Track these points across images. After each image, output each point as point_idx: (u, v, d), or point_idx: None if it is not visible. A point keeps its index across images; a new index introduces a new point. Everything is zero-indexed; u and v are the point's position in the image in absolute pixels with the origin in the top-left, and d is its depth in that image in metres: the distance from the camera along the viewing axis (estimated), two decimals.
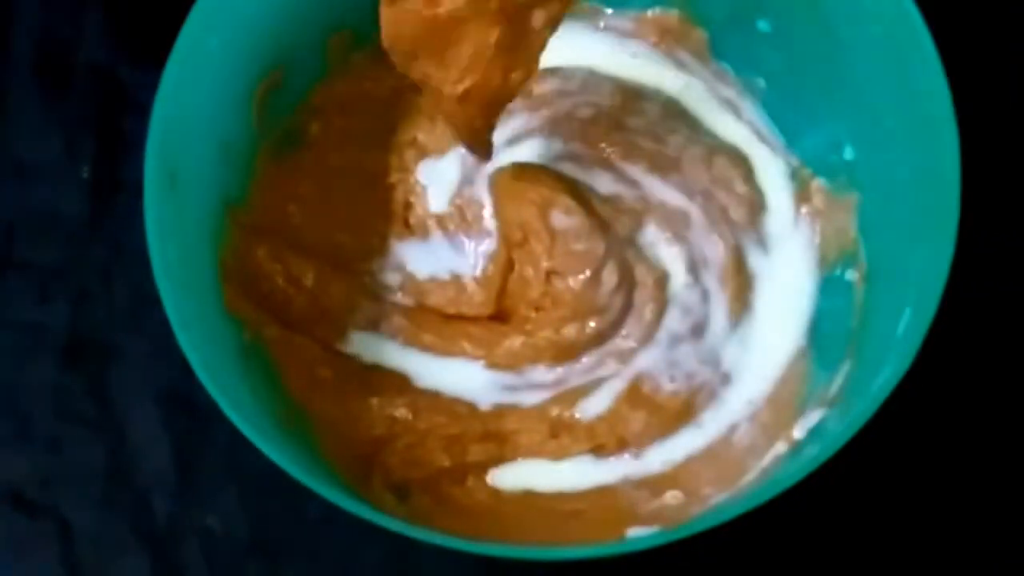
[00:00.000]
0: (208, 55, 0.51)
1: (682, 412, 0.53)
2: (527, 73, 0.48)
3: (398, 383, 0.54)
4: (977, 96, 0.51)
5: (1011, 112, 0.61)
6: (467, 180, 0.56)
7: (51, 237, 0.61)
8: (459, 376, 0.54)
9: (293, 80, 0.55)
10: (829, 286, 0.55)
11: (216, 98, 0.52)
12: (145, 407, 0.58)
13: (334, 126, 0.57)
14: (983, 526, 0.56)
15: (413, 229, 0.56)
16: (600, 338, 0.54)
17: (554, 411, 0.54)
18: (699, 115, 0.58)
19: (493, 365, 0.54)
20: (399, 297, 0.56)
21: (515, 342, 0.54)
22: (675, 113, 0.58)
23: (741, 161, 0.57)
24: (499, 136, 0.56)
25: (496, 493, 0.53)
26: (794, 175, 0.57)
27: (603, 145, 0.57)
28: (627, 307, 0.54)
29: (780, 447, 0.52)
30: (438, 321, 0.55)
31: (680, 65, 0.59)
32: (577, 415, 0.53)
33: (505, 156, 0.56)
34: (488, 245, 0.56)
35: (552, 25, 0.47)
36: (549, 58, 0.58)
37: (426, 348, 0.55)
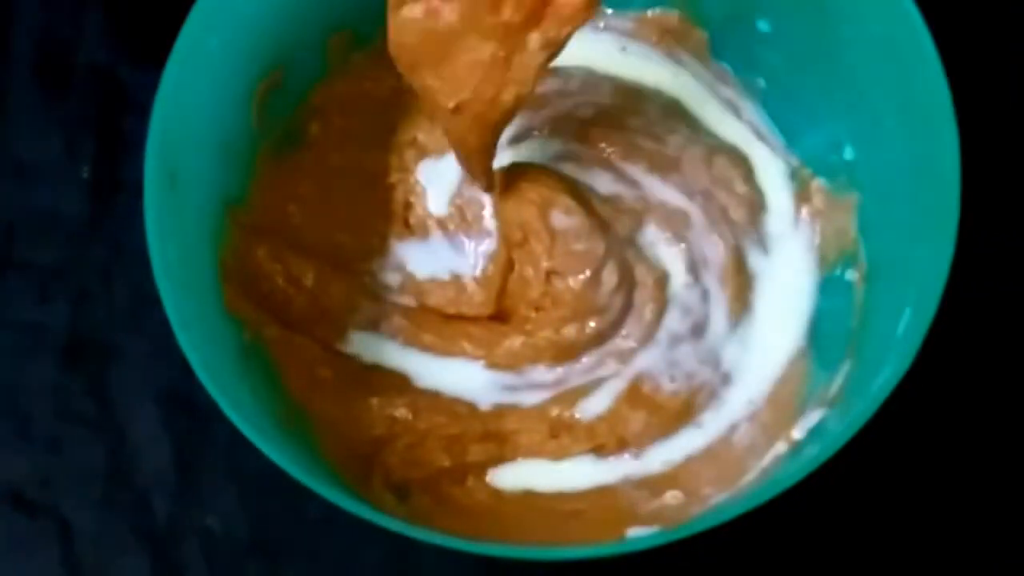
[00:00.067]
0: (208, 55, 0.51)
1: (682, 412, 0.53)
2: (519, 93, 0.49)
3: (398, 383, 0.54)
4: (977, 96, 0.51)
5: (1011, 112, 0.61)
6: (467, 180, 0.56)
7: (51, 237, 0.61)
8: (459, 376, 0.54)
9: (293, 80, 0.55)
10: (829, 286, 0.55)
11: (216, 98, 0.52)
12: (145, 407, 0.58)
13: (334, 126, 0.57)
14: (983, 526, 0.56)
15: (413, 229, 0.56)
16: (600, 338, 0.54)
17: (554, 411, 0.54)
18: (699, 115, 0.58)
19: (493, 365, 0.54)
20: (399, 297, 0.56)
21: (515, 342, 0.54)
22: (675, 113, 0.58)
23: (741, 161, 0.57)
24: None
25: (496, 493, 0.53)
26: (794, 175, 0.57)
27: (603, 145, 0.57)
28: (627, 307, 0.54)
29: (780, 447, 0.52)
30: (438, 321, 0.55)
31: (680, 65, 0.59)
32: (577, 415, 0.53)
33: (505, 156, 0.56)
34: (488, 245, 0.56)
35: (548, 48, 0.48)
36: None
37: (426, 348, 0.55)
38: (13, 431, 0.58)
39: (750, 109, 0.58)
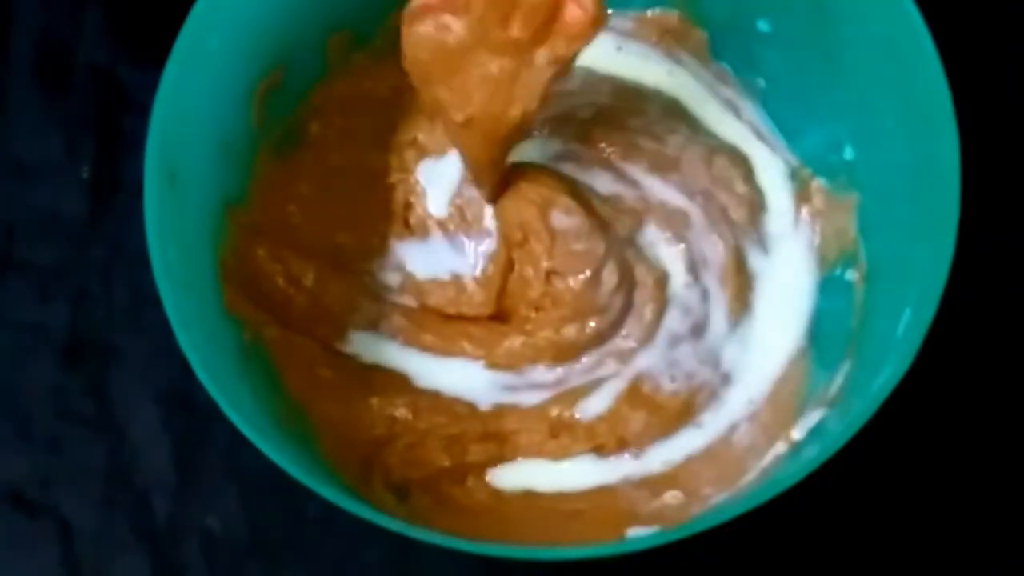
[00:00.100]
0: (208, 55, 0.51)
1: (682, 412, 0.53)
2: (525, 109, 0.49)
3: (398, 383, 0.54)
4: (977, 96, 0.51)
5: (1011, 112, 0.61)
6: (466, 180, 0.56)
7: (51, 237, 0.61)
8: (459, 376, 0.54)
9: (293, 80, 0.55)
10: (829, 286, 0.55)
11: (216, 98, 0.51)
12: (145, 407, 0.58)
13: (334, 126, 0.57)
14: (983, 526, 0.56)
15: (413, 229, 0.56)
16: (600, 338, 0.54)
17: (554, 411, 0.54)
18: (699, 115, 0.58)
19: (493, 365, 0.54)
20: (399, 297, 0.56)
21: (515, 342, 0.54)
22: (675, 113, 0.58)
23: (741, 161, 0.57)
24: None
25: (496, 493, 0.53)
26: (794, 175, 0.57)
27: (603, 145, 0.57)
28: (627, 307, 0.54)
29: (780, 447, 0.52)
30: (438, 321, 0.55)
31: (680, 65, 0.59)
32: (577, 415, 0.53)
33: None
34: (488, 245, 0.56)
35: (555, 65, 0.49)
36: None
37: (426, 348, 0.55)
38: (13, 431, 0.58)
39: (750, 109, 0.58)
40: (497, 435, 0.53)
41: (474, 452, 0.53)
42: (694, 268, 0.55)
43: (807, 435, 0.51)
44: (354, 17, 0.56)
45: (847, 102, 0.53)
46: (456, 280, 0.55)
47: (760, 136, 0.58)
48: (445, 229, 0.56)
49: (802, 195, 0.56)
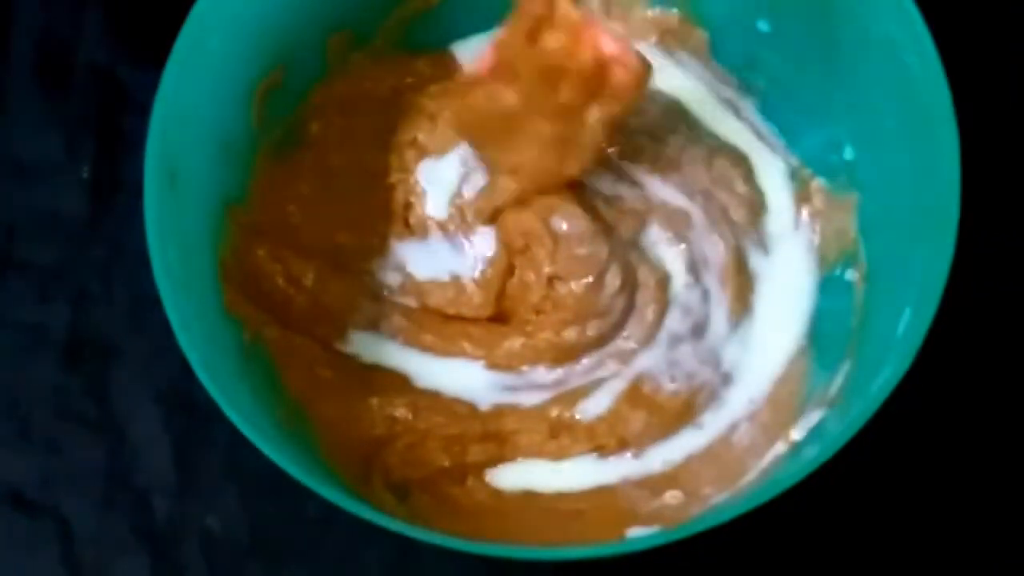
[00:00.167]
0: (208, 55, 0.51)
1: (683, 412, 0.53)
2: (581, 166, 0.52)
3: (398, 383, 0.54)
4: (977, 96, 0.51)
5: (1011, 112, 0.61)
6: (467, 181, 0.56)
7: (51, 237, 0.61)
8: (459, 376, 0.54)
9: (293, 80, 0.55)
10: (829, 286, 0.55)
11: (216, 98, 0.51)
12: (145, 407, 0.58)
13: (334, 126, 0.57)
14: (983, 526, 0.56)
15: (413, 229, 0.56)
16: (601, 340, 0.54)
17: (554, 412, 0.53)
18: (699, 115, 0.58)
19: (493, 365, 0.54)
20: (399, 297, 0.55)
21: (515, 343, 0.54)
22: (675, 113, 0.58)
23: (741, 161, 0.57)
24: None
25: (496, 493, 0.53)
26: (794, 175, 0.57)
27: (604, 145, 0.57)
28: (629, 309, 0.54)
29: (780, 447, 0.52)
30: (438, 321, 0.55)
31: (680, 65, 0.59)
32: (577, 415, 0.53)
33: None
34: (488, 247, 0.55)
35: (607, 125, 0.51)
36: None
37: (426, 348, 0.55)
38: (13, 431, 0.58)
39: (750, 109, 0.58)
40: (497, 435, 0.53)
41: (474, 452, 0.53)
42: (695, 268, 0.55)
43: (807, 435, 0.51)
44: (354, 17, 0.56)
45: (847, 102, 0.53)
46: (456, 281, 0.55)
47: (760, 136, 0.58)
48: (445, 230, 0.56)
49: (802, 195, 0.56)
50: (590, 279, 0.53)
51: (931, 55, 0.49)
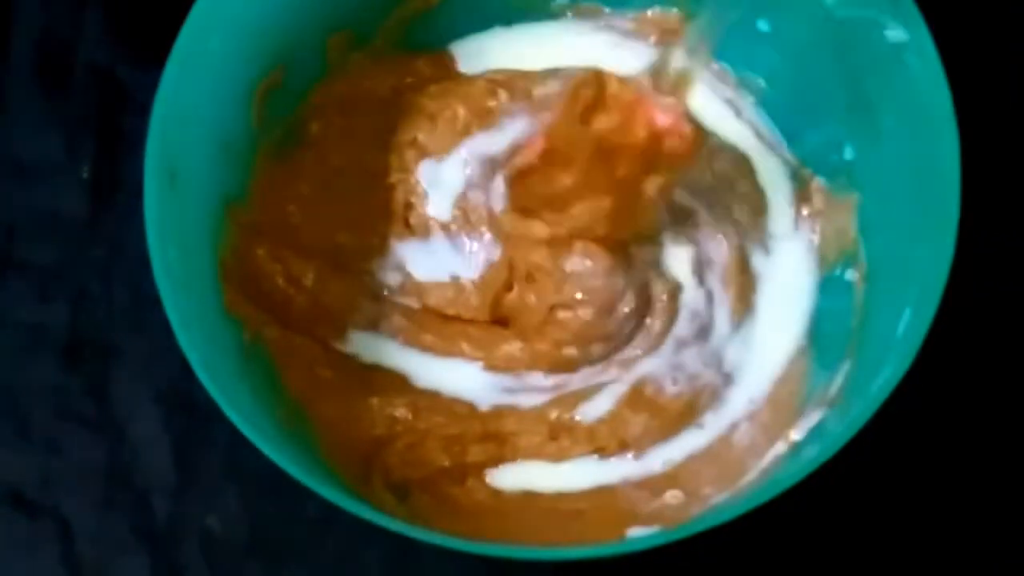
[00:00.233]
0: (208, 55, 0.51)
1: (684, 414, 0.53)
2: (642, 231, 0.53)
3: (398, 383, 0.54)
4: (977, 96, 0.51)
5: (1011, 112, 0.61)
6: (471, 185, 0.56)
7: (51, 237, 0.61)
8: (458, 376, 0.54)
9: (293, 80, 0.55)
10: (829, 286, 0.55)
11: (216, 98, 0.51)
12: (145, 407, 0.58)
13: (334, 126, 0.57)
14: (983, 526, 0.56)
15: (413, 229, 0.56)
16: (605, 357, 0.54)
17: (553, 414, 0.53)
18: (699, 115, 0.58)
19: (491, 367, 0.54)
20: (399, 297, 0.55)
21: (514, 347, 0.54)
22: None
23: (741, 161, 0.57)
24: (500, 144, 0.56)
25: (496, 493, 0.53)
26: (794, 175, 0.57)
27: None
28: (638, 327, 0.54)
29: (780, 447, 0.52)
30: (438, 321, 0.55)
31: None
32: (577, 417, 0.53)
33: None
34: (490, 251, 0.55)
35: (665, 192, 0.51)
36: (548, 59, 0.58)
37: (426, 348, 0.54)
38: (13, 431, 0.58)
39: (750, 109, 0.58)
40: (497, 436, 0.53)
41: (474, 452, 0.53)
42: (699, 270, 0.55)
43: (807, 435, 0.51)
44: (354, 17, 0.56)
45: (847, 102, 0.53)
46: (455, 281, 0.55)
47: (760, 136, 0.58)
48: (447, 230, 0.56)
49: (802, 195, 0.56)
50: (599, 307, 0.53)
51: (931, 55, 0.49)
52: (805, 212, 0.56)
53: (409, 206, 0.56)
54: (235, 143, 0.53)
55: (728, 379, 0.54)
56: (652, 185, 0.51)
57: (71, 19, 0.64)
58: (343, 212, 0.56)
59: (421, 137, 0.57)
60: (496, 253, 0.55)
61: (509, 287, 0.54)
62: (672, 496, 0.52)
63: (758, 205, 0.56)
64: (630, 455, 0.53)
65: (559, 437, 0.53)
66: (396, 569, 0.56)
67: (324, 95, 0.57)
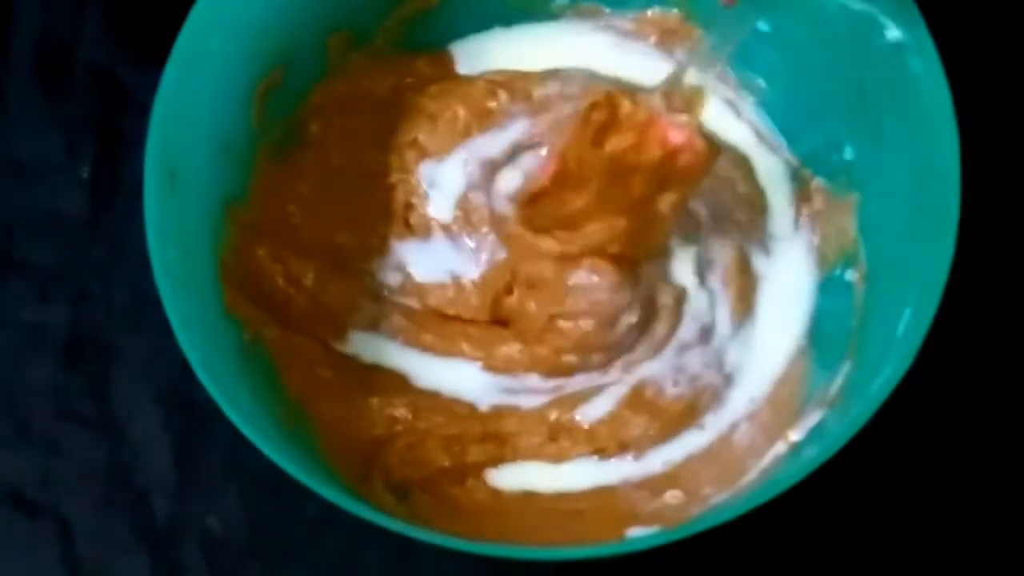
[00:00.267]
0: (208, 55, 0.51)
1: (685, 415, 0.53)
2: (657, 246, 0.53)
3: (398, 383, 0.54)
4: (977, 96, 0.51)
5: (1011, 112, 0.61)
6: (471, 185, 0.56)
7: (51, 237, 0.61)
8: (458, 376, 0.54)
9: (293, 80, 0.55)
10: (829, 286, 0.55)
11: (216, 98, 0.51)
12: (145, 407, 0.58)
13: (334, 126, 0.57)
14: (983, 526, 0.56)
15: (414, 229, 0.56)
16: (604, 364, 0.54)
17: (553, 415, 0.53)
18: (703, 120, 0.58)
19: (490, 368, 0.54)
20: (399, 297, 0.55)
21: (513, 348, 0.54)
22: None
23: (741, 161, 0.57)
24: (500, 145, 0.56)
25: (496, 493, 0.53)
26: (794, 175, 0.57)
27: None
28: (642, 335, 0.54)
29: (780, 447, 0.52)
30: (438, 321, 0.55)
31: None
32: (577, 418, 0.53)
33: (512, 175, 0.56)
34: (492, 250, 0.55)
35: (678, 208, 0.51)
36: (548, 59, 0.58)
37: (426, 348, 0.54)
38: (13, 431, 0.58)
39: (750, 109, 0.58)
40: (496, 436, 0.53)
41: (474, 452, 0.53)
42: (701, 271, 0.55)
43: (807, 435, 0.51)
44: (354, 17, 0.56)
45: (847, 102, 0.53)
46: (456, 281, 0.55)
47: (760, 136, 0.58)
48: (448, 230, 0.56)
49: (802, 195, 0.56)
50: (602, 319, 0.53)
51: (931, 55, 0.49)
52: (805, 212, 0.56)
53: (409, 206, 0.56)
54: (235, 143, 0.53)
55: (728, 380, 0.54)
56: (666, 202, 0.50)
57: (71, 19, 0.64)
58: (343, 212, 0.56)
59: (421, 137, 0.57)
60: (499, 253, 0.55)
61: (509, 291, 0.54)
62: (672, 496, 0.52)
63: (758, 205, 0.56)
64: (630, 456, 0.53)
65: (559, 438, 0.53)
66: (396, 569, 0.56)
67: (324, 95, 0.57)
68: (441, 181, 0.56)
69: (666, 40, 0.59)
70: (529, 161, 0.56)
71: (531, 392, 0.54)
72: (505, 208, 0.55)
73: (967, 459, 0.56)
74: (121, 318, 0.59)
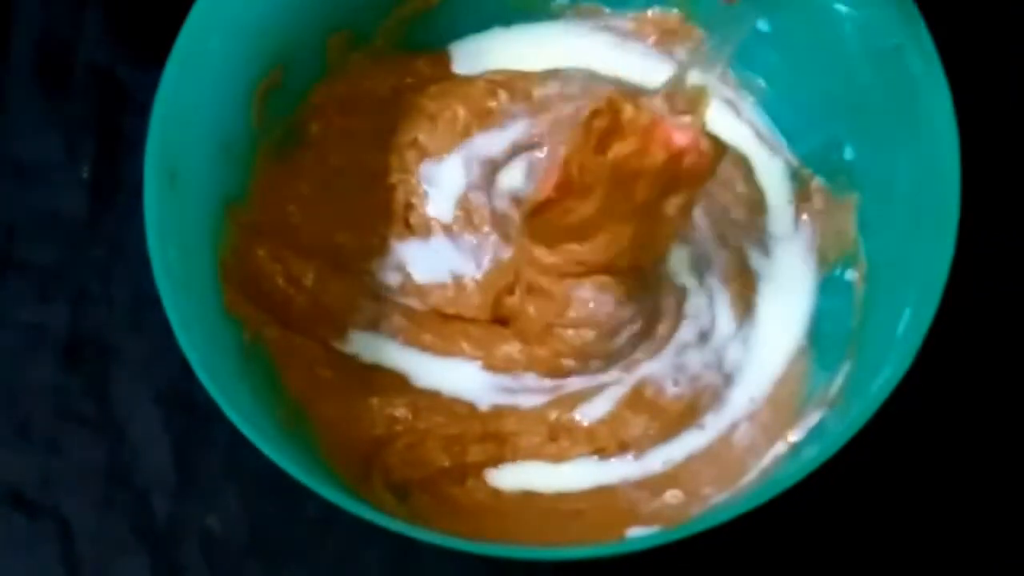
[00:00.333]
0: (208, 55, 0.51)
1: (685, 415, 0.53)
2: (663, 251, 0.52)
3: (398, 383, 0.54)
4: (977, 96, 0.51)
5: (1011, 112, 0.61)
6: (471, 185, 0.56)
7: (51, 237, 0.61)
8: (458, 376, 0.54)
9: (293, 80, 0.55)
10: (829, 286, 0.55)
11: (216, 98, 0.51)
12: (145, 407, 0.58)
13: (334, 126, 0.57)
14: (983, 526, 0.56)
15: (414, 229, 0.56)
16: (604, 369, 0.54)
17: (552, 414, 0.53)
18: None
19: (490, 367, 0.54)
20: (399, 297, 0.55)
21: (513, 348, 0.54)
22: None
23: (741, 161, 0.57)
24: (500, 145, 0.56)
25: (496, 493, 0.53)
26: (794, 175, 0.57)
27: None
28: (643, 338, 0.54)
29: (780, 447, 0.52)
30: (438, 321, 0.55)
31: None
32: (577, 418, 0.53)
33: (513, 174, 0.56)
34: (492, 251, 0.55)
35: (684, 211, 0.50)
36: (548, 59, 0.58)
37: (426, 348, 0.54)
38: (13, 431, 0.58)
39: (750, 109, 0.58)
40: (496, 436, 0.53)
41: (474, 452, 0.53)
42: (699, 271, 0.55)
43: (807, 435, 0.51)
44: (354, 17, 0.56)
45: (847, 102, 0.53)
46: (456, 281, 0.55)
47: (760, 136, 0.58)
48: (448, 230, 0.56)
49: (802, 195, 0.56)
50: (603, 330, 0.53)
51: (931, 55, 0.49)
52: (805, 212, 0.56)
53: (409, 206, 0.56)
54: (235, 143, 0.53)
55: (728, 379, 0.54)
56: (672, 205, 0.50)
57: (71, 19, 0.64)
58: (343, 212, 0.56)
59: (421, 137, 0.57)
60: (501, 252, 0.55)
61: (511, 290, 0.54)
62: (672, 496, 0.52)
63: (758, 205, 0.56)
64: (630, 455, 0.53)
65: (559, 437, 0.53)
66: (396, 569, 0.56)
67: (324, 95, 0.57)
68: (441, 181, 0.56)
69: (666, 40, 0.59)
70: (529, 160, 0.56)
71: (531, 392, 0.54)
72: (506, 207, 0.55)
73: (967, 459, 0.56)
74: (121, 318, 0.59)
